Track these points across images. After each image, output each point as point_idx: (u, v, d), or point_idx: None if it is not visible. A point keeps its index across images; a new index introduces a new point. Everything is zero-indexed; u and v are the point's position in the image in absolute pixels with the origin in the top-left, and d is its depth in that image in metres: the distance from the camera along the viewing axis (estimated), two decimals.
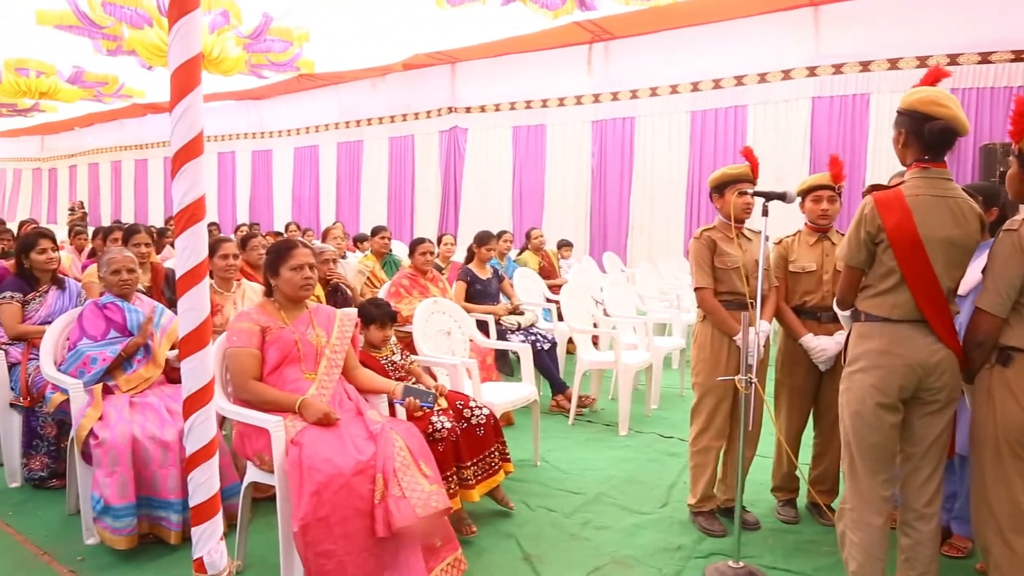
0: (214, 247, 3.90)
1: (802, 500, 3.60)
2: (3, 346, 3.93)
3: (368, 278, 6.27)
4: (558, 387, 5.44)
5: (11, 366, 3.85)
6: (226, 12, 8.11)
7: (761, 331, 3.15)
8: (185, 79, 2.08)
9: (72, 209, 18.22)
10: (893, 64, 8.57)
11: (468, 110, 12.34)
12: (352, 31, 9.46)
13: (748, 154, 3.42)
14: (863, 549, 2.43)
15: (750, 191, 3.19)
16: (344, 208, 14.30)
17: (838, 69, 8.95)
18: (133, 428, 3.09)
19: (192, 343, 2.16)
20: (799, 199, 3.43)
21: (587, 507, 3.61)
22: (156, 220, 16.76)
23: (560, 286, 6.31)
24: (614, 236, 10.93)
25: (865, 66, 8.77)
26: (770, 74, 9.40)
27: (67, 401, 3.33)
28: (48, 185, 22.51)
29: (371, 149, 13.85)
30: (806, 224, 3.49)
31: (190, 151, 2.11)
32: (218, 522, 2.26)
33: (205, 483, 2.21)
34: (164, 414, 3.23)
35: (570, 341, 6.03)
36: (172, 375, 3.60)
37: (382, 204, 13.63)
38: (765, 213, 2.89)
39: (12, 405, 3.79)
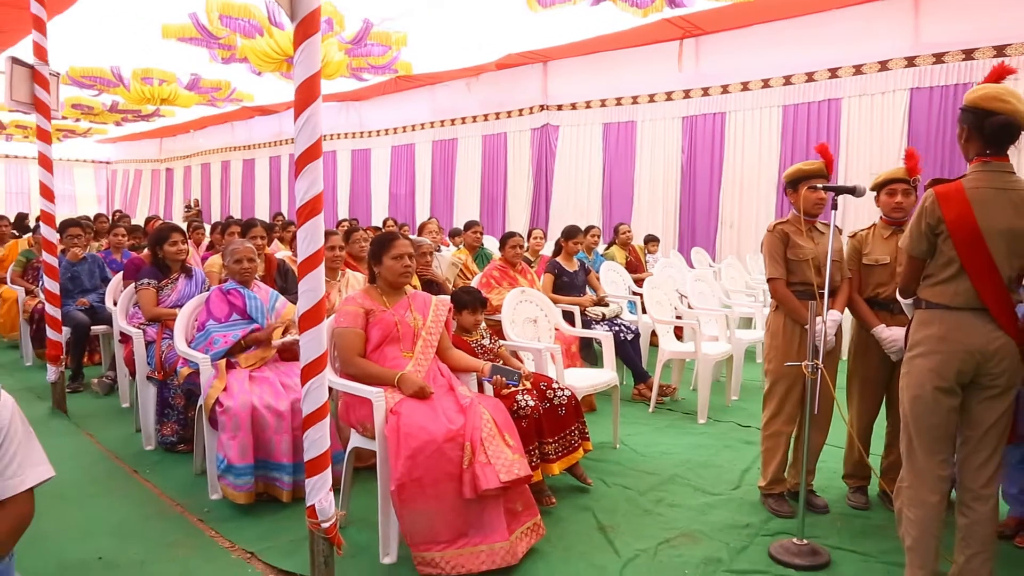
0: None
1: (874, 488, 3.66)
2: (141, 326, 4.45)
3: (461, 270, 6.56)
4: (640, 376, 5.62)
5: (147, 344, 4.36)
6: (330, 19, 8.59)
7: (832, 321, 3.27)
8: (307, 92, 2.39)
9: (188, 206, 19.33)
10: (999, 51, 8.15)
11: (559, 108, 12.50)
12: (447, 34, 9.82)
13: (823, 150, 3.52)
14: (918, 525, 2.53)
15: (821, 186, 3.30)
16: (438, 204, 14.70)
17: (939, 59, 8.62)
18: (252, 398, 3.49)
19: (310, 319, 2.48)
20: (874, 193, 3.52)
21: (661, 486, 3.80)
22: (262, 215, 17.64)
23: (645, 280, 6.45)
24: (703, 231, 10.89)
25: (968, 54, 8.38)
26: (866, 66, 9.12)
27: (195, 374, 3.78)
28: (165, 184, 24.07)
29: (465, 147, 14.20)
30: (881, 218, 3.56)
31: (311, 154, 2.43)
32: (328, 475, 2.58)
33: (318, 440, 2.53)
34: (278, 387, 3.63)
35: (654, 334, 6.19)
36: (284, 354, 4.00)
37: (475, 200, 13.95)
38: (835, 207, 3.02)
39: (148, 378, 4.29)
